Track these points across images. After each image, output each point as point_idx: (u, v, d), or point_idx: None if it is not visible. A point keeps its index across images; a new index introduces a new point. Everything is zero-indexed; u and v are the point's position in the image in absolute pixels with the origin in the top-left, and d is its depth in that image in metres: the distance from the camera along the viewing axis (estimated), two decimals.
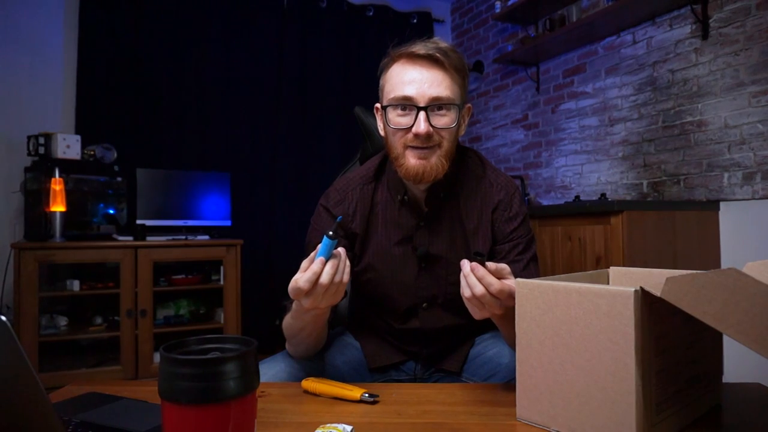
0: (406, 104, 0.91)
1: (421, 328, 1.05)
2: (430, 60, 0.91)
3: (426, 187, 1.00)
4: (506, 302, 0.74)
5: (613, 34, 2.86)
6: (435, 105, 0.91)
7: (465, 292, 0.74)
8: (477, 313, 0.77)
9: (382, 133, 1.02)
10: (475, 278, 0.73)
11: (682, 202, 2.40)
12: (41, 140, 2.65)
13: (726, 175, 2.30)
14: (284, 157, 3.55)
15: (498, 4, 3.36)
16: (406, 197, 1.02)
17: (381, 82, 0.98)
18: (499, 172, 1.09)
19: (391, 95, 0.93)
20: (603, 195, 2.76)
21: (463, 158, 1.06)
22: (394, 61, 0.95)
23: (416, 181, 0.96)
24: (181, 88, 3.28)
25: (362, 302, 1.13)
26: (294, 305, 0.90)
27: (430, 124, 0.91)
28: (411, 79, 0.91)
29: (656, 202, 2.47)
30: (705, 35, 2.37)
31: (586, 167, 3.05)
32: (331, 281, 0.75)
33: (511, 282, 0.74)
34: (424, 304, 1.04)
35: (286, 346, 1.00)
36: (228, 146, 3.39)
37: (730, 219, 2.31)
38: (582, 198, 2.97)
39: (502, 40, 3.70)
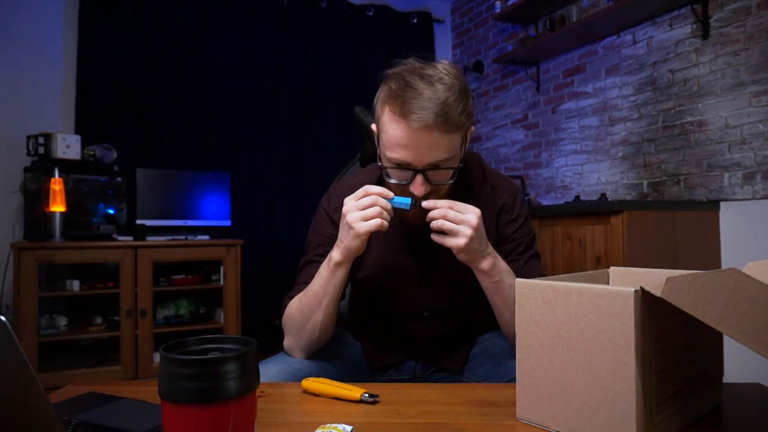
0: (403, 167, 0.88)
1: (422, 331, 1.05)
2: (427, 129, 0.83)
3: None
4: (466, 217, 0.84)
5: (613, 34, 2.86)
6: (436, 168, 0.88)
7: (434, 222, 0.85)
8: (454, 241, 0.85)
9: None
10: (432, 216, 0.85)
11: (682, 202, 2.40)
12: (41, 140, 2.65)
13: (726, 175, 2.30)
14: (284, 157, 3.55)
15: (498, 4, 3.36)
16: None
17: (377, 111, 0.91)
18: (499, 175, 1.08)
19: (387, 152, 0.87)
20: (603, 195, 2.76)
21: (465, 163, 1.05)
22: (387, 105, 0.86)
23: (410, 224, 0.97)
24: (181, 89, 3.28)
25: (363, 306, 1.13)
26: (318, 278, 0.92)
27: (428, 181, 0.88)
28: (407, 144, 0.84)
29: (656, 202, 2.47)
30: (705, 35, 2.37)
31: (586, 167, 3.05)
32: (380, 206, 0.84)
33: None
34: (426, 313, 1.04)
35: (285, 342, 0.99)
36: (228, 146, 3.39)
37: (731, 219, 2.31)
38: (582, 198, 2.97)
39: (502, 40, 3.70)
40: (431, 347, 1.07)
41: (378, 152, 0.93)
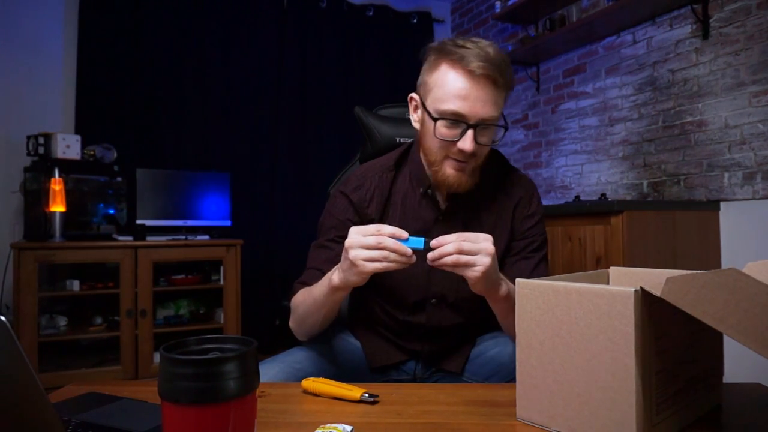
0: (456, 120, 0.90)
1: (426, 324, 1.04)
2: (486, 80, 0.88)
3: None
4: (481, 245, 0.79)
5: (613, 34, 2.86)
6: (486, 124, 0.91)
7: (448, 258, 0.79)
8: (471, 272, 0.80)
9: (416, 125, 1.01)
10: (444, 252, 0.79)
11: (682, 202, 2.40)
12: (41, 140, 2.65)
13: (726, 175, 2.30)
14: (284, 157, 3.55)
15: (498, 4, 3.36)
16: (429, 190, 1.02)
17: (425, 76, 0.95)
18: (519, 171, 1.10)
19: (442, 106, 0.90)
20: (603, 195, 2.76)
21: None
22: (444, 61, 0.91)
23: (450, 190, 0.98)
24: (181, 89, 3.28)
25: (368, 292, 1.11)
26: (319, 288, 0.92)
27: (475, 140, 0.91)
28: (465, 95, 0.89)
29: (656, 202, 2.47)
30: (705, 35, 2.37)
31: (586, 167, 3.05)
32: (387, 248, 0.78)
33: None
34: (433, 300, 1.04)
35: (290, 323, 1.02)
36: (228, 146, 3.39)
37: (731, 219, 2.30)
38: (582, 198, 2.97)
39: (502, 40, 3.70)
40: (434, 344, 1.06)
41: (424, 113, 0.95)
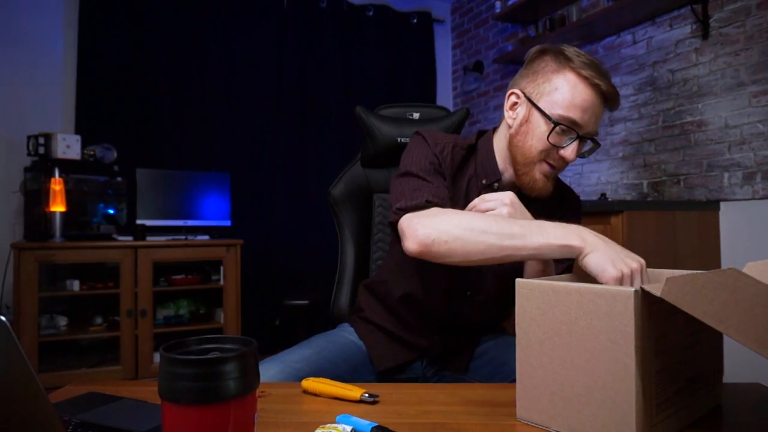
0: (571, 128, 0.92)
1: (460, 315, 1.04)
2: (604, 99, 0.93)
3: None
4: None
5: (613, 34, 2.86)
6: (587, 138, 0.95)
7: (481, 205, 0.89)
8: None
9: (510, 121, 0.99)
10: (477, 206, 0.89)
11: (682, 202, 2.40)
12: (41, 140, 2.65)
13: (726, 175, 2.30)
14: (284, 157, 3.55)
15: (498, 4, 3.36)
16: (496, 184, 1.02)
17: (541, 77, 0.95)
18: (567, 185, 1.12)
19: (563, 112, 0.92)
20: (603, 195, 2.76)
21: None
22: (569, 68, 0.92)
23: (533, 194, 0.98)
24: (181, 89, 3.28)
25: (409, 271, 1.06)
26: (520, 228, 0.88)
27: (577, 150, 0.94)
28: (585, 108, 0.92)
29: (656, 202, 2.47)
30: (705, 35, 2.37)
31: (586, 167, 3.05)
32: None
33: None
34: (469, 293, 1.04)
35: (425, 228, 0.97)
36: (228, 146, 3.39)
37: (730, 219, 2.30)
38: (582, 198, 2.96)
39: (502, 40, 3.70)
40: (443, 340, 1.06)
41: (534, 112, 0.95)
